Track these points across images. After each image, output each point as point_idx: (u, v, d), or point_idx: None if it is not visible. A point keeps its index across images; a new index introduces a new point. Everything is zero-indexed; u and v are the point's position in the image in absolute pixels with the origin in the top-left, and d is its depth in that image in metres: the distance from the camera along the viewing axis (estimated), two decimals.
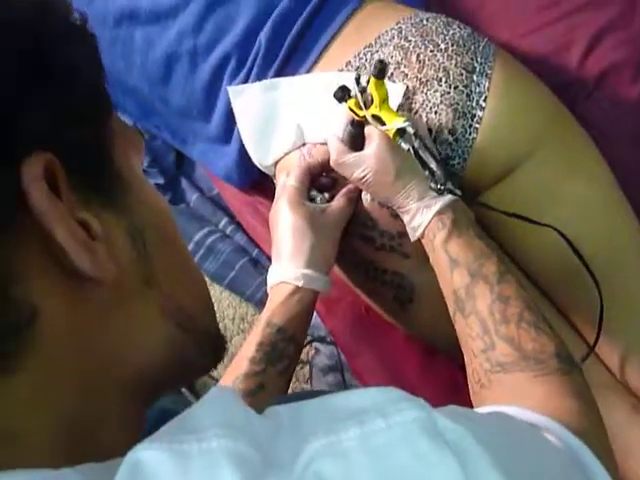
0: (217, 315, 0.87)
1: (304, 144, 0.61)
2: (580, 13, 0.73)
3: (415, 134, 0.53)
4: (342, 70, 0.62)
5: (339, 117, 0.59)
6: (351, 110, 0.56)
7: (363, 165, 0.55)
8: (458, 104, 0.59)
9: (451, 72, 0.60)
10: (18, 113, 0.25)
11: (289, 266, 0.57)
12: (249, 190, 0.83)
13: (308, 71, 0.65)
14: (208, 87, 0.71)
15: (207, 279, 0.87)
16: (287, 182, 0.60)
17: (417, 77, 0.60)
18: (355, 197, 0.61)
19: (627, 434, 0.64)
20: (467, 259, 0.51)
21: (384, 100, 0.54)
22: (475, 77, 0.60)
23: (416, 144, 0.53)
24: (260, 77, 0.67)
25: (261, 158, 0.68)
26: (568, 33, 0.73)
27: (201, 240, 0.84)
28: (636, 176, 0.67)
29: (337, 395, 0.26)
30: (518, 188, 0.63)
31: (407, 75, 0.60)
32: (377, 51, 0.62)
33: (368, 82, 0.54)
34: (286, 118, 0.64)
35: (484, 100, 0.60)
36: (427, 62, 0.60)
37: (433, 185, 0.53)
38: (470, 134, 0.60)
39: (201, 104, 0.73)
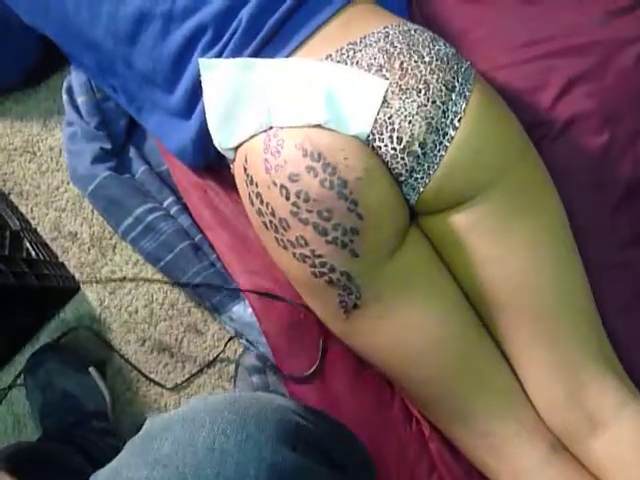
0: (145, 297, 0.82)
1: (271, 128, 0.58)
2: (558, 57, 0.74)
3: None
4: (322, 61, 0.60)
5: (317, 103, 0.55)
6: None
7: None
8: (433, 119, 0.58)
9: (431, 86, 0.59)
10: None
11: None
12: (201, 172, 0.79)
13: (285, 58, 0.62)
14: (178, 55, 0.67)
15: (141, 258, 0.82)
16: None
17: (397, 83, 0.58)
18: None
19: (541, 475, 0.64)
20: None
21: None
22: (454, 96, 0.59)
23: None
24: (234, 55, 0.63)
25: (223, 139, 0.65)
26: (545, 74, 0.73)
27: (142, 216, 0.78)
28: (590, 222, 0.68)
29: None
30: (473, 216, 0.62)
31: (387, 80, 0.58)
32: (360, 50, 0.60)
33: None
34: (257, 100, 0.61)
35: (458, 120, 0.59)
36: (410, 71, 0.59)
37: None
38: (439, 151, 0.59)
39: (167, 72, 0.69)
